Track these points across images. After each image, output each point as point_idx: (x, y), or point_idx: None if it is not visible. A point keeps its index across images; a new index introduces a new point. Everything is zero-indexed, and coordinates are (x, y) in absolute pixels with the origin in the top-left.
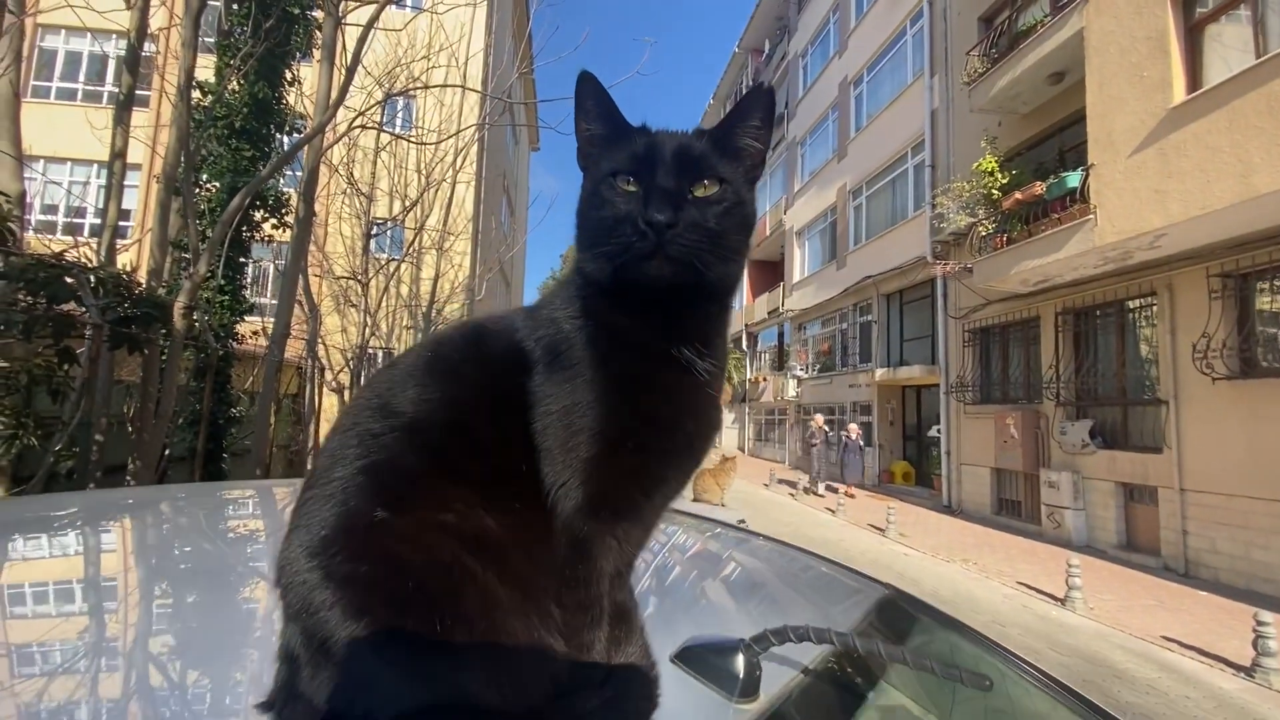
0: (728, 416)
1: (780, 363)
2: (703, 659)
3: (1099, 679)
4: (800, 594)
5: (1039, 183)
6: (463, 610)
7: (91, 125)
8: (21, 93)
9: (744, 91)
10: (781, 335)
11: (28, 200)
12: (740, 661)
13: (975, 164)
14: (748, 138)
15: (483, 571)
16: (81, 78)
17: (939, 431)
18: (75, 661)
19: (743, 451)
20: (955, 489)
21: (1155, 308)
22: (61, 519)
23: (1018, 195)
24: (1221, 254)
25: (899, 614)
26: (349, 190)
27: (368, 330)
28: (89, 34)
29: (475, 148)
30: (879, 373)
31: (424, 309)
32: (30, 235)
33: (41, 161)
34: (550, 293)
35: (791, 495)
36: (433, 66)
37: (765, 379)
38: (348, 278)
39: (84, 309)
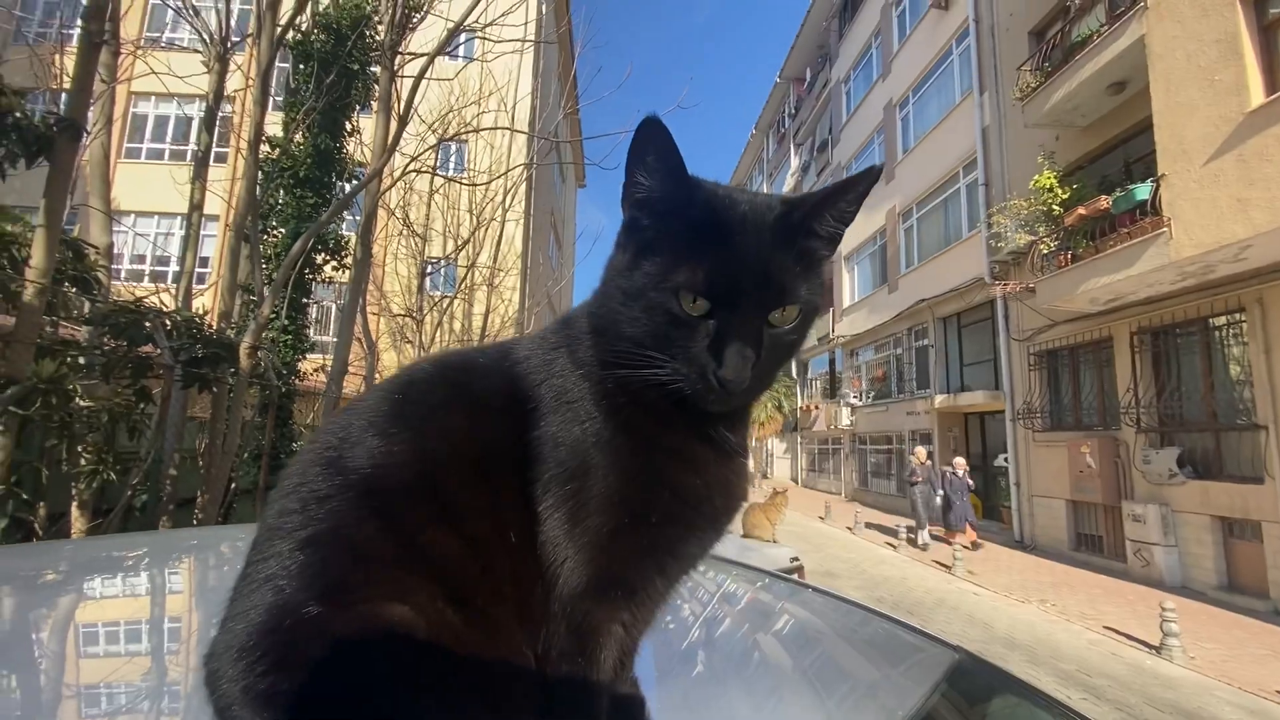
0: (780, 447)
1: (832, 390)
2: None
3: None
4: (860, 653)
5: (1104, 197)
6: None
7: (174, 181)
8: (114, 154)
9: (787, 119)
10: (833, 362)
11: (115, 251)
12: None
13: (1033, 180)
14: (836, 221)
15: (444, 684)
16: (168, 138)
17: (1006, 461)
18: (138, 702)
19: (795, 483)
20: (1027, 522)
21: (1245, 324)
22: (130, 559)
23: (1081, 210)
24: None
25: (972, 683)
26: (405, 231)
27: None
28: (175, 99)
29: (524, 187)
30: (938, 399)
31: (476, 343)
32: (118, 284)
33: (132, 216)
34: (566, 327)
35: (891, 546)
36: (483, 111)
37: (817, 407)
38: (404, 315)
39: (159, 351)
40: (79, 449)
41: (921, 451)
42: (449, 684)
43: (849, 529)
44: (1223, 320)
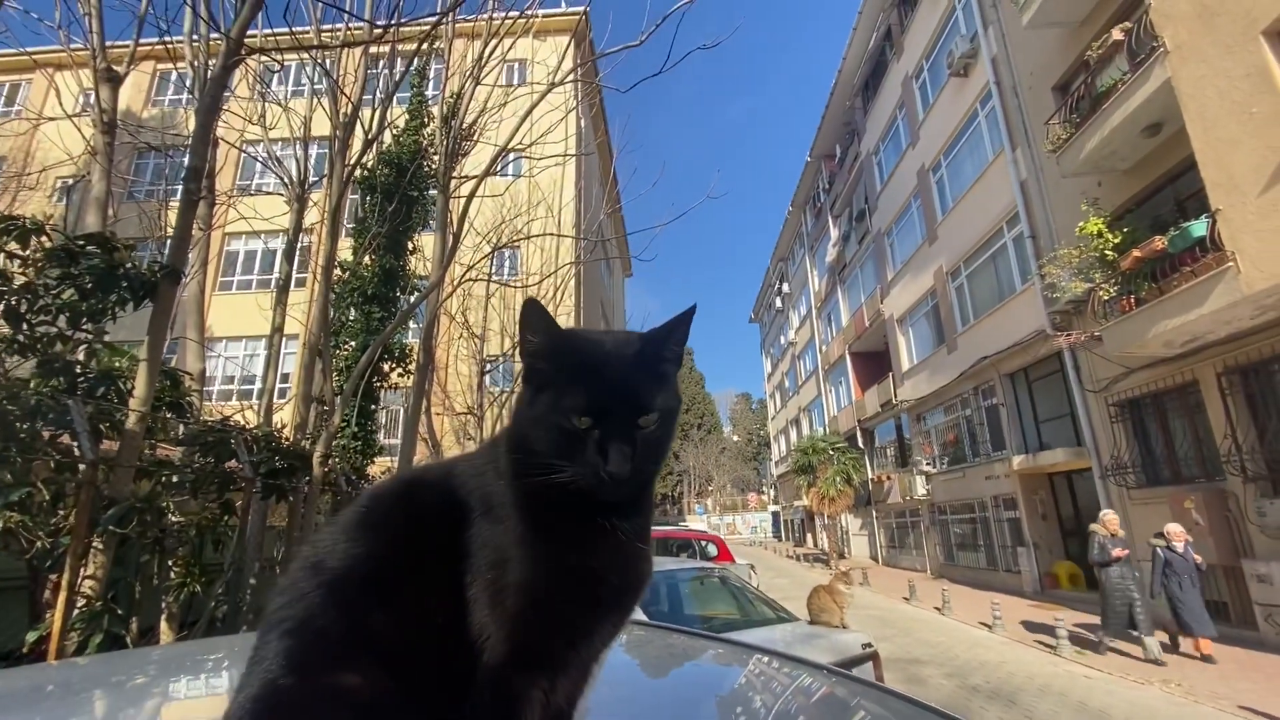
0: (855, 523)
1: (903, 459)
2: None
3: None
4: None
5: (1159, 237)
6: None
7: (260, 308)
8: (209, 288)
9: (821, 194)
10: (900, 428)
11: (208, 374)
12: None
13: (1079, 227)
14: (676, 345)
15: None
16: (255, 270)
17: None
18: None
19: (876, 561)
20: None
21: None
22: (209, 661)
23: (1137, 253)
24: None
25: None
26: (464, 334)
27: None
28: (262, 236)
29: (573, 283)
30: (1017, 460)
31: None
32: (210, 404)
33: (224, 341)
34: (493, 447)
35: (1047, 648)
36: (531, 220)
37: (889, 477)
38: (465, 413)
39: (241, 464)
40: (169, 563)
41: (1111, 518)
42: None
43: (937, 609)
44: None
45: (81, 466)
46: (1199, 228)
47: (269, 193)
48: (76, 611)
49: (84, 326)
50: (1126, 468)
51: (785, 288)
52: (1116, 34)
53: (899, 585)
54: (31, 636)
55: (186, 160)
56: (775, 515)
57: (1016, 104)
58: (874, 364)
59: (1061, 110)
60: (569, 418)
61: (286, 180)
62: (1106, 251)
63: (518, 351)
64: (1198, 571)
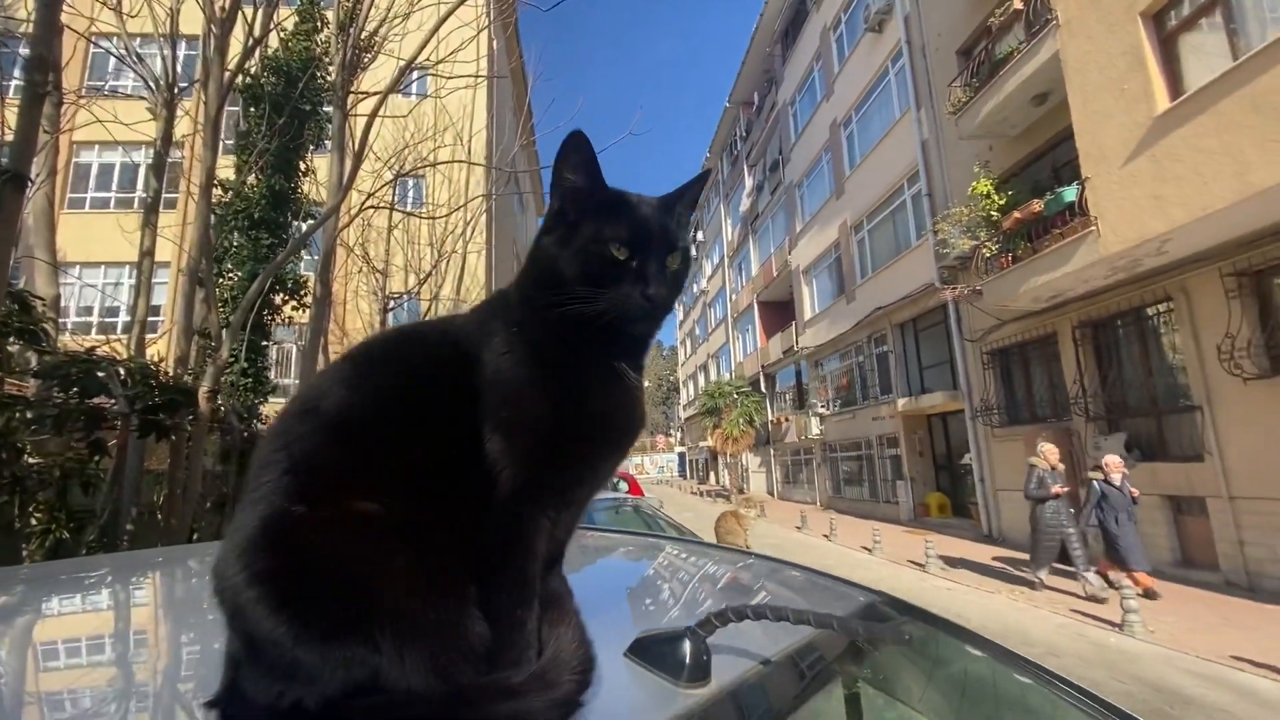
0: (754, 461)
1: (801, 401)
2: (651, 649)
3: (1167, 706)
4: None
5: (1036, 200)
6: (380, 596)
7: (122, 229)
8: (58, 205)
9: (739, 142)
10: (799, 374)
11: (62, 303)
12: (687, 648)
13: (971, 188)
14: (689, 210)
15: (403, 557)
16: (113, 186)
17: (968, 460)
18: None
19: (772, 495)
20: (994, 517)
21: (1173, 312)
22: (93, 578)
23: (1017, 214)
24: (1232, 253)
25: (883, 615)
26: (365, 268)
27: None
28: (120, 146)
29: (484, 218)
30: (901, 403)
31: None
32: (66, 336)
33: (77, 267)
34: (498, 301)
35: (1009, 599)
36: (439, 146)
37: (787, 419)
38: None
39: (113, 400)
40: (30, 508)
41: (1051, 449)
42: (406, 555)
43: (825, 536)
44: (1153, 310)
45: None
46: (1070, 193)
47: (130, 96)
48: None
49: None
50: (992, 409)
51: (700, 236)
52: (1017, 3)
53: (792, 516)
54: None
55: (26, 49)
56: (681, 456)
57: (924, 65)
58: (779, 313)
59: (964, 74)
60: (609, 247)
61: (152, 83)
62: (992, 212)
63: (550, 189)
64: (1133, 504)
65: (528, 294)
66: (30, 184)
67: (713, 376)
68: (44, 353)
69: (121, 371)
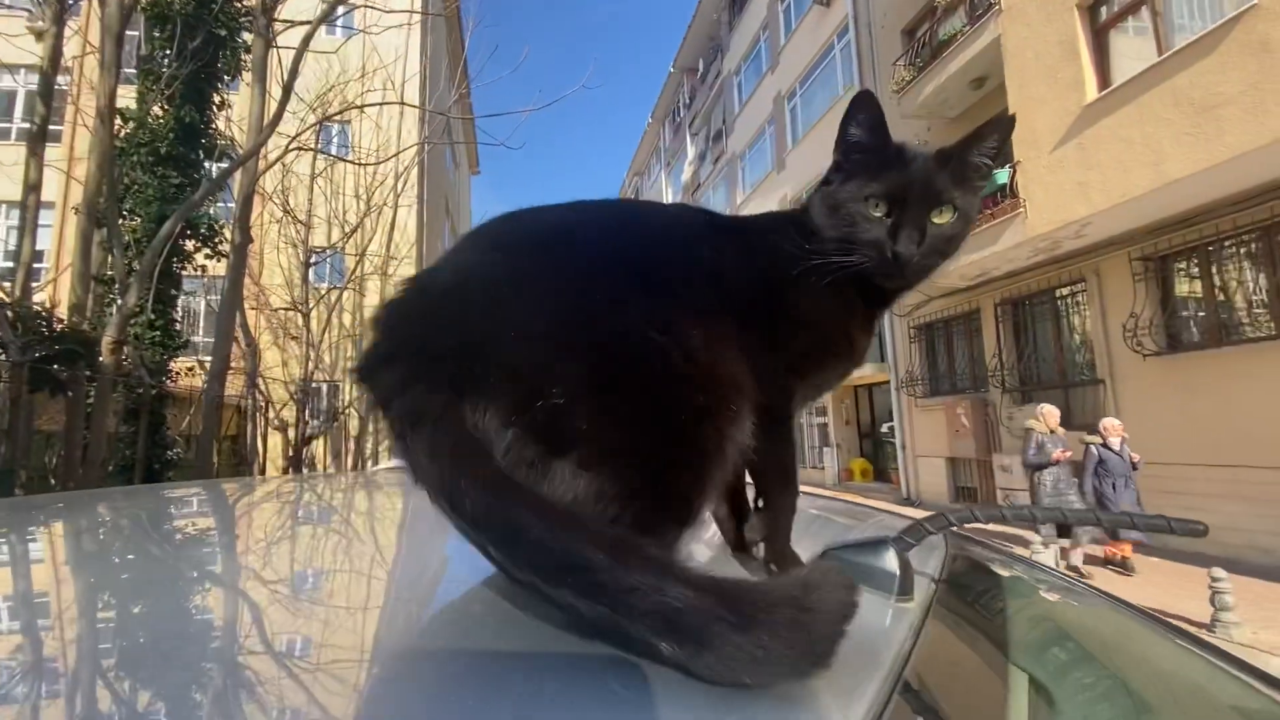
0: None
1: None
2: (853, 561)
3: None
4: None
5: None
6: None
7: (1, 163)
8: None
9: (681, 109)
10: None
11: None
12: (893, 559)
13: None
14: (984, 157)
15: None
16: None
17: (890, 428)
18: (11, 684)
19: None
20: (913, 481)
21: (1085, 293)
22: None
23: None
24: (1141, 239)
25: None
26: (285, 218)
27: (310, 363)
28: None
29: (415, 170)
30: None
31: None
32: None
33: None
34: (785, 214)
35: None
36: (368, 90)
37: None
38: (287, 309)
39: (3, 347)
40: None
41: (1051, 410)
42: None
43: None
44: (1068, 290)
45: None
46: (1002, 176)
47: (8, 7)
48: None
49: None
50: (917, 380)
51: None
52: None
53: None
54: None
55: None
56: None
57: (870, 42)
58: None
59: (908, 53)
60: (868, 203)
61: None
62: None
63: (835, 144)
64: (1133, 470)
65: (807, 233)
66: None
67: None
68: None
69: (10, 315)
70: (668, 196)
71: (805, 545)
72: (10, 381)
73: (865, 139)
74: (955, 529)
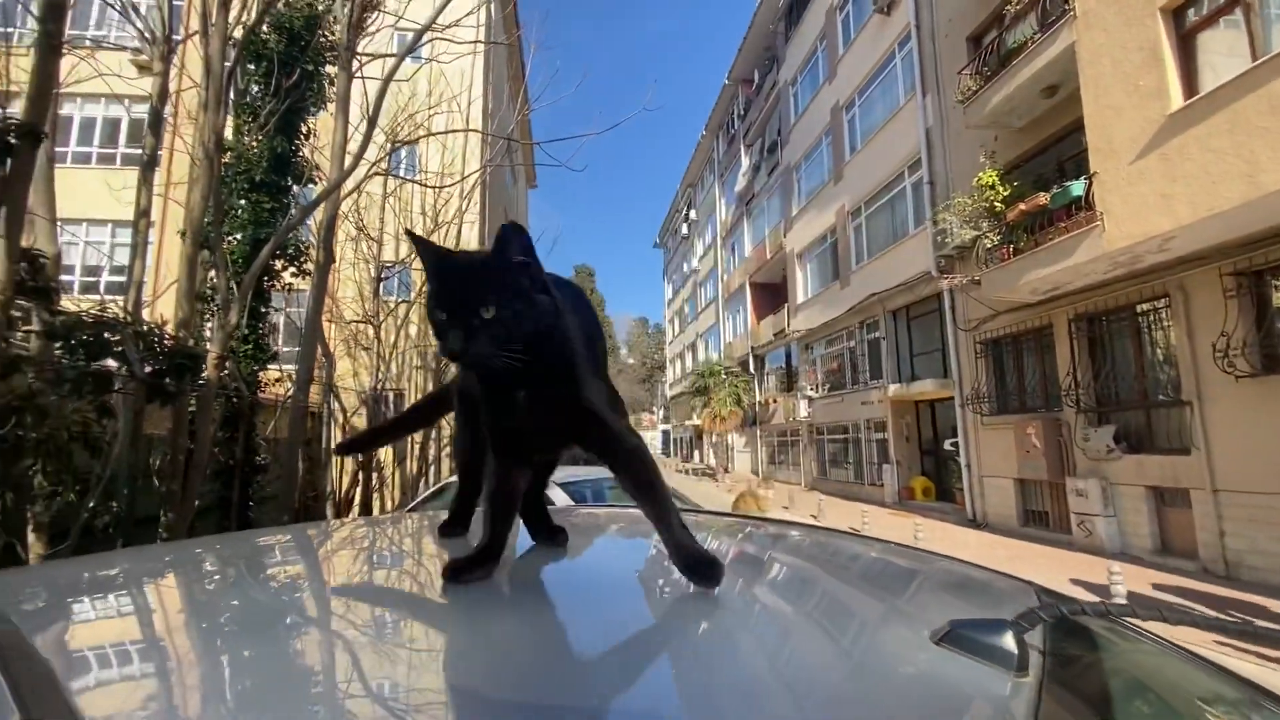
0: (739, 441)
1: (789, 384)
2: (974, 638)
3: None
4: (935, 595)
5: (1042, 194)
6: None
7: (111, 187)
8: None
9: (736, 120)
10: (789, 356)
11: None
12: (1013, 638)
13: (976, 179)
14: (517, 256)
15: None
16: (95, 142)
17: (954, 445)
18: None
19: (756, 475)
20: (979, 502)
21: (1169, 309)
22: (112, 578)
23: (1021, 206)
24: (1233, 253)
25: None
26: (358, 236)
27: (380, 372)
28: (103, 100)
29: (479, 189)
30: (891, 389)
31: (434, 349)
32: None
33: (59, 223)
34: None
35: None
36: (434, 113)
37: (775, 401)
38: (359, 321)
39: (119, 365)
40: (34, 471)
41: None
42: None
43: (813, 516)
44: (1149, 306)
45: None
46: (1077, 188)
47: (123, 47)
48: None
49: None
50: (983, 398)
51: (692, 214)
52: None
53: (779, 497)
54: None
55: None
56: (666, 434)
57: (933, 50)
58: (771, 295)
59: (975, 62)
60: (433, 311)
61: (148, 35)
62: (996, 203)
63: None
64: None
65: None
66: (45, 139)
67: (700, 356)
68: (57, 313)
69: (133, 334)
70: (720, 207)
71: (931, 614)
72: (134, 394)
73: (427, 257)
74: (1088, 614)
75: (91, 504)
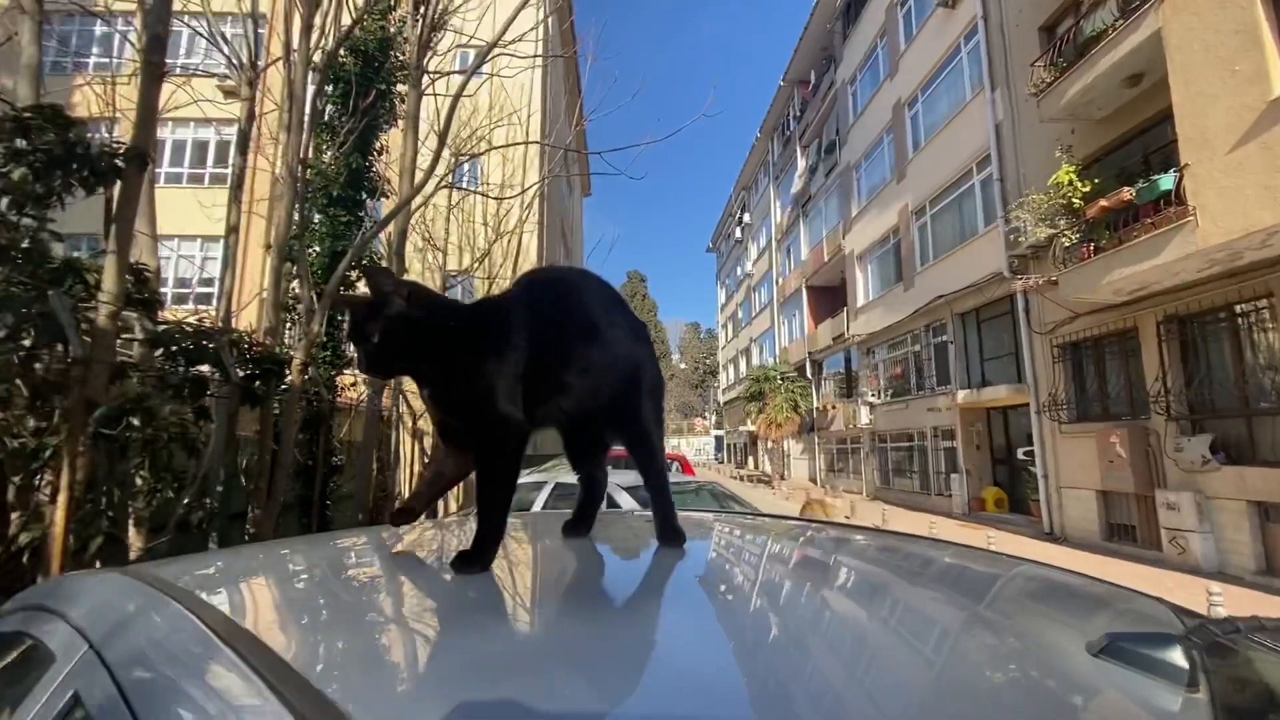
0: (796, 448)
1: (849, 389)
2: (1138, 652)
3: None
4: (1024, 604)
5: (1126, 188)
6: None
7: (200, 204)
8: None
9: (792, 122)
10: (849, 361)
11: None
12: (1183, 652)
13: (1053, 176)
14: (386, 289)
15: None
16: (186, 163)
17: (1028, 454)
18: None
19: (815, 483)
20: (1056, 514)
21: (1271, 310)
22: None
23: (1103, 203)
24: None
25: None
26: (424, 247)
27: None
28: (192, 123)
29: (538, 199)
30: (961, 395)
31: None
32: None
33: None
34: None
35: None
36: (496, 126)
37: (834, 407)
38: None
39: (213, 370)
40: (135, 468)
41: None
42: None
43: (877, 526)
44: (1249, 306)
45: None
46: (1166, 181)
47: (213, 74)
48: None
49: (26, 212)
50: (1061, 404)
51: (746, 218)
52: None
53: (841, 506)
54: (25, 539)
55: (141, 25)
56: (718, 439)
57: (1001, 42)
58: (829, 298)
59: (1049, 53)
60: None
61: (236, 62)
62: (1074, 199)
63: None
64: None
65: None
66: (151, 162)
67: (755, 361)
68: (160, 323)
69: (228, 341)
70: (775, 210)
71: (1079, 631)
72: (229, 399)
73: (341, 304)
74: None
75: (186, 500)
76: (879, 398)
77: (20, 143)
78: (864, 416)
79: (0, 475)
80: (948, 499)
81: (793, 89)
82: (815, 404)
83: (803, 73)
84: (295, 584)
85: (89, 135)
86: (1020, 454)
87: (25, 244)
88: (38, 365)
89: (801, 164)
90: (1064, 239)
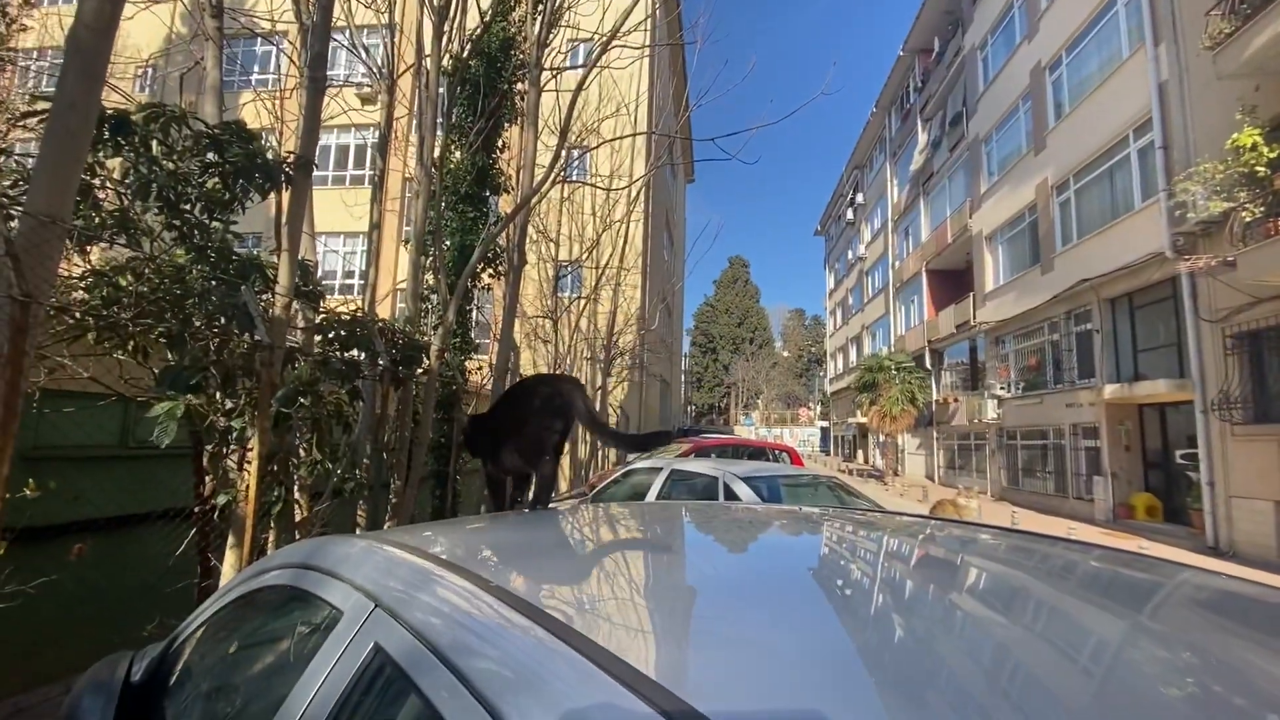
0: (912, 443)
1: (974, 381)
2: None
3: None
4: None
5: None
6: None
7: (345, 204)
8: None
9: (912, 94)
10: (974, 351)
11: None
12: None
13: (1230, 140)
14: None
15: None
16: (331, 166)
17: (1189, 457)
18: None
19: (932, 481)
20: (1224, 526)
21: None
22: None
23: None
24: None
25: None
26: (536, 238)
27: (556, 362)
28: (335, 129)
29: (645, 189)
30: (1108, 389)
31: (602, 340)
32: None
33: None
34: None
35: None
36: (604, 118)
37: (956, 400)
38: (540, 316)
39: (363, 355)
40: (298, 441)
41: None
42: None
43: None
44: None
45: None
46: None
47: (354, 84)
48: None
49: (216, 216)
50: (1235, 403)
51: (859, 198)
52: None
53: (974, 507)
54: (223, 500)
55: (305, 44)
56: (824, 430)
57: None
58: (952, 283)
59: (1228, 1)
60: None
61: (375, 70)
62: (1259, 167)
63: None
64: None
65: None
66: (315, 167)
67: (866, 350)
68: (326, 314)
69: (379, 329)
70: (891, 189)
71: None
72: (380, 381)
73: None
74: None
75: (340, 471)
76: (1009, 391)
77: (211, 155)
78: (991, 411)
79: (198, 446)
80: (1088, 503)
81: (913, 59)
82: (934, 396)
83: (925, 41)
84: (532, 555)
85: (266, 147)
86: (1180, 457)
87: (217, 244)
88: (224, 352)
89: (922, 139)
90: (1245, 213)
